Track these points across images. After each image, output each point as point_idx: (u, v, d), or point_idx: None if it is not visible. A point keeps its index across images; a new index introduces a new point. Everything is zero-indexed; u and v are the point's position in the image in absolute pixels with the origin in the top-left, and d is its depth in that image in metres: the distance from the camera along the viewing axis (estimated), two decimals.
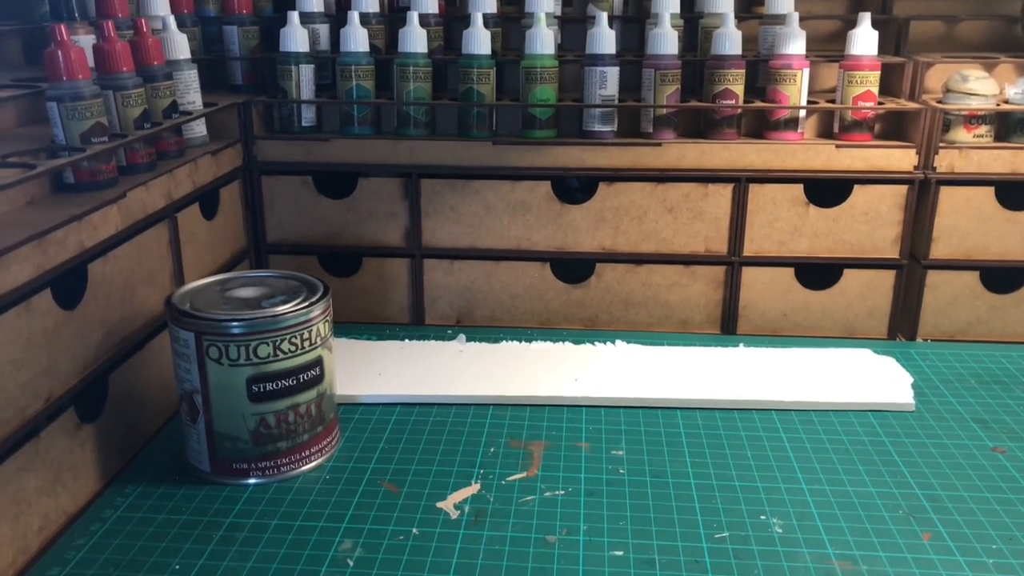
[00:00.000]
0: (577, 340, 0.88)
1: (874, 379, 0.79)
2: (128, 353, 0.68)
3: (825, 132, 0.91)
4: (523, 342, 0.87)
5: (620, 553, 0.57)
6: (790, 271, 0.90)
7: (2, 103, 0.75)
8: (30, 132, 0.75)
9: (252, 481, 0.64)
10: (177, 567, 0.55)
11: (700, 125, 0.91)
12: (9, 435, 0.54)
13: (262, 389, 0.62)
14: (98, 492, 0.63)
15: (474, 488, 0.64)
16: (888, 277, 0.90)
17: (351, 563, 0.56)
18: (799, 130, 0.89)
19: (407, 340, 0.88)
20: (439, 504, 0.62)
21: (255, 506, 0.62)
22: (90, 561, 0.56)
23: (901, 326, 0.92)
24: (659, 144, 0.88)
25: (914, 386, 0.79)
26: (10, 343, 0.54)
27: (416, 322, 0.94)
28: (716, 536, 0.58)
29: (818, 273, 0.91)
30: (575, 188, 0.95)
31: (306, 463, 0.66)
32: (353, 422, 0.73)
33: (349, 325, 0.93)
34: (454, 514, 0.61)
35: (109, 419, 0.65)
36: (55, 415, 0.59)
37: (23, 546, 0.55)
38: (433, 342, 0.87)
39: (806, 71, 0.87)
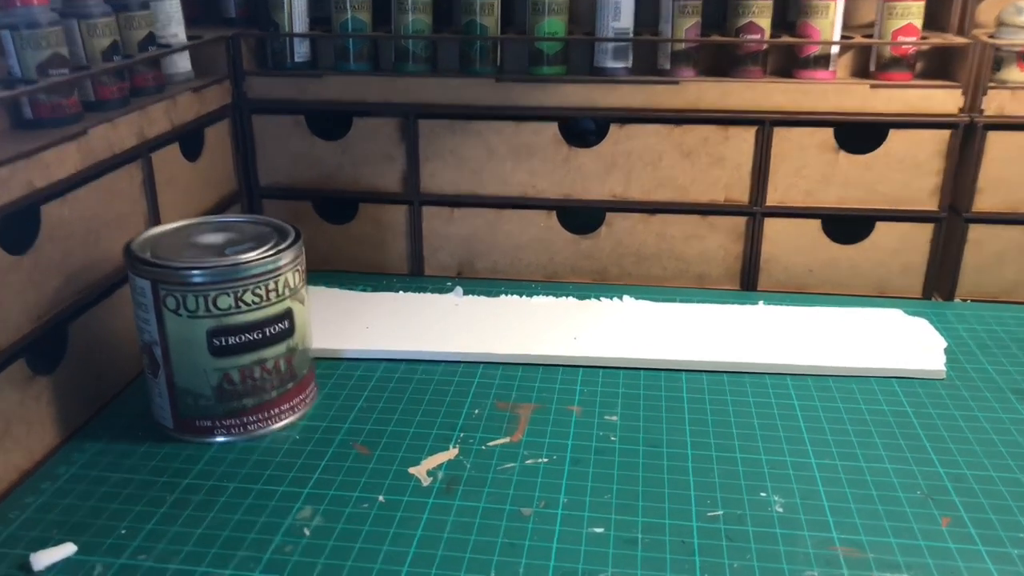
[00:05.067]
0: (582, 295, 0.82)
1: (903, 342, 0.72)
2: (92, 301, 0.64)
3: (860, 71, 0.83)
4: (524, 296, 0.82)
5: (600, 530, 0.52)
6: (817, 223, 0.83)
7: None
8: None
9: (219, 439, 0.61)
10: (123, 531, 0.52)
11: (722, 62, 0.83)
12: None
13: (224, 343, 0.58)
14: (56, 446, 0.60)
15: (451, 453, 0.59)
16: (925, 231, 0.82)
17: (307, 532, 0.52)
18: (831, 68, 0.81)
19: (402, 292, 0.83)
20: (411, 469, 0.58)
21: (216, 467, 0.58)
22: (34, 522, 0.52)
23: (938, 285, 0.84)
24: (676, 82, 0.81)
25: (947, 351, 0.72)
26: None
27: (415, 272, 0.89)
28: (709, 514, 0.53)
29: (848, 226, 0.83)
30: (590, 131, 0.88)
31: (275, 421, 0.62)
32: (334, 377, 0.69)
33: (345, 274, 0.88)
34: (426, 481, 0.56)
35: (69, 370, 0.61)
36: (2, 367, 0.55)
37: None
38: (428, 295, 0.82)
39: (840, 2, 0.79)
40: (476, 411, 0.64)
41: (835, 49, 0.80)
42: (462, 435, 0.61)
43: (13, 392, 0.56)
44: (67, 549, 0.50)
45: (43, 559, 0.49)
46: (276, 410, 0.62)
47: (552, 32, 0.82)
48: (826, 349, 0.71)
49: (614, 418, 0.63)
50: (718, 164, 0.82)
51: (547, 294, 0.82)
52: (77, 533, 0.51)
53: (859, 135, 0.80)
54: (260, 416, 0.61)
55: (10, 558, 0.50)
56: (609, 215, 0.85)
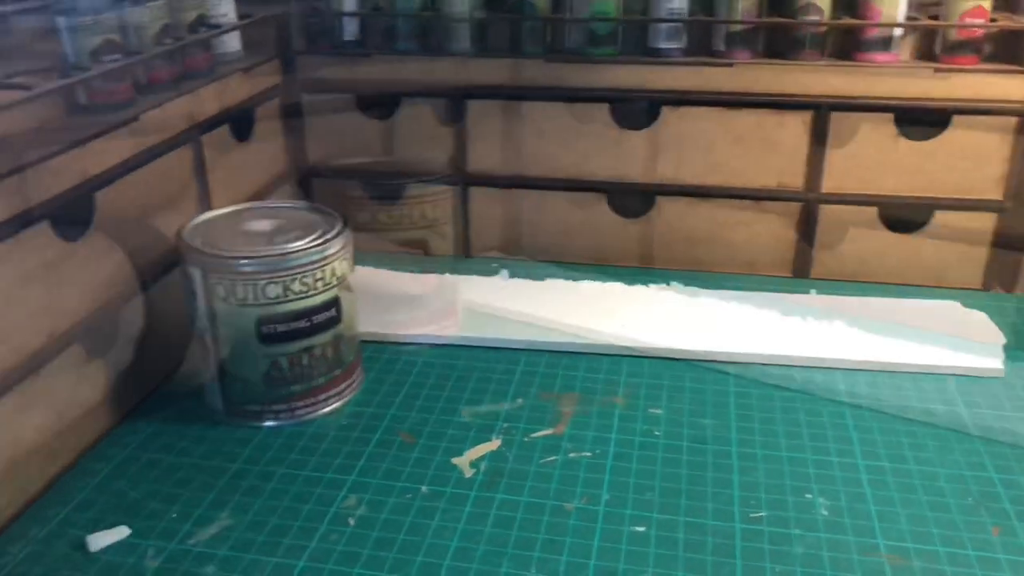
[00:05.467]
0: (629, 280, 0.81)
1: (959, 337, 0.70)
2: (145, 284, 0.65)
3: (925, 54, 0.80)
4: (570, 280, 0.81)
5: (642, 529, 0.52)
6: (874, 211, 0.81)
7: (16, 16, 0.72)
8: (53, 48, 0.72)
9: (267, 424, 0.62)
10: (174, 515, 0.53)
11: (779, 44, 0.81)
12: (7, 373, 0.52)
13: (273, 331, 0.59)
14: (110, 428, 0.62)
15: (494, 444, 0.60)
16: (987, 220, 0.79)
17: (352, 522, 0.52)
18: (893, 51, 0.78)
19: (448, 274, 0.83)
20: (454, 460, 0.58)
21: (264, 452, 0.59)
22: (88, 504, 0.54)
23: (1000, 276, 0.82)
24: (731, 64, 0.79)
25: (1006, 348, 0.70)
26: (1, 280, 0.51)
27: (461, 253, 0.89)
28: (752, 516, 0.53)
29: (906, 214, 0.81)
30: (643, 108, 0.86)
31: (322, 407, 0.63)
32: (380, 362, 0.69)
33: (392, 255, 0.88)
34: (468, 472, 0.57)
35: (123, 353, 0.63)
36: (59, 351, 0.56)
37: (23, 485, 0.54)
38: (474, 277, 0.82)
39: None
40: (519, 400, 0.64)
41: (898, 31, 0.77)
42: (505, 425, 0.62)
43: (70, 375, 0.58)
44: (121, 532, 0.51)
45: (99, 541, 0.50)
46: (323, 396, 0.63)
47: (604, 12, 0.80)
48: (878, 343, 0.70)
49: (658, 411, 0.63)
50: (772, 149, 0.80)
51: (594, 278, 0.82)
52: (130, 516, 0.53)
53: (921, 121, 0.78)
54: (308, 402, 0.62)
55: (68, 537, 0.51)
56: (659, 199, 0.84)
